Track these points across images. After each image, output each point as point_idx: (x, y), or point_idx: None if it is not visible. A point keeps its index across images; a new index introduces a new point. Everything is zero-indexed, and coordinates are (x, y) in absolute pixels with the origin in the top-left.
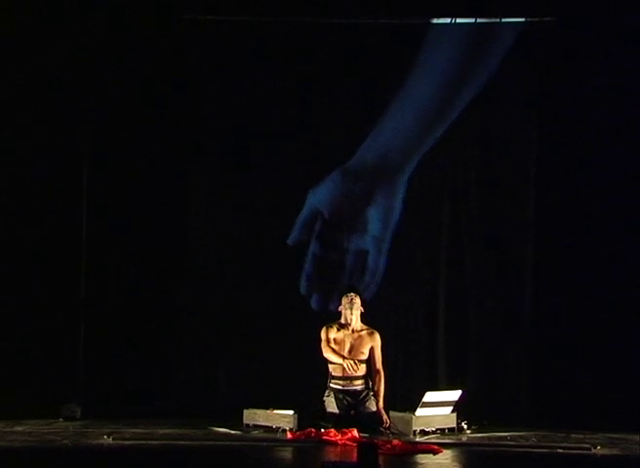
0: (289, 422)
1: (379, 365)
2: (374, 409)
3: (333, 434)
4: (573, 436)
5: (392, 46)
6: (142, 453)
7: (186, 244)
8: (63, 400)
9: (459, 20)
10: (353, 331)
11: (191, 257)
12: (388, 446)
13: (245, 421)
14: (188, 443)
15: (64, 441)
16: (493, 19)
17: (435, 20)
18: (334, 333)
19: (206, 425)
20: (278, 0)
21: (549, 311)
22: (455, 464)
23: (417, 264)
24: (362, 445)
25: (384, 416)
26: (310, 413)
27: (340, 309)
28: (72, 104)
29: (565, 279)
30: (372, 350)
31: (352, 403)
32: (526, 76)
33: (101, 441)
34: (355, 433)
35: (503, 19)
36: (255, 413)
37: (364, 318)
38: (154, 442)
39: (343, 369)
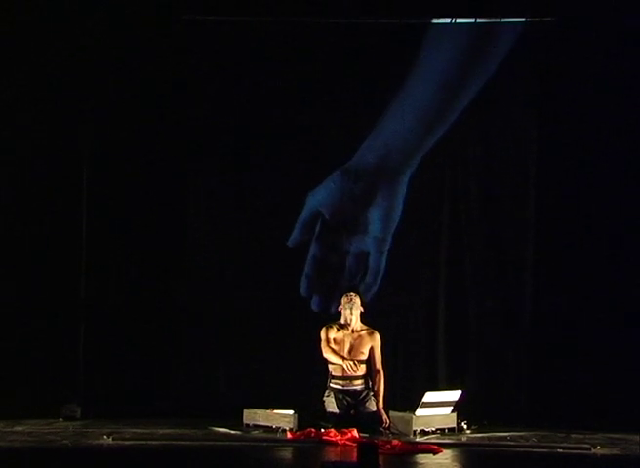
0: (289, 422)
1: (378, 365)
2: (374, 409)
3: (333, 434)
4: (573, 436)
5: (392, 46)
6: (142, 453)
7: (186, 244)
8: (63, 400)
9: (458, 21)
10: (353, 331)
11: (191, 257)
12: (388, 446)
13: (245, 421)
14: (188, 443)
15: (64, 441)
16: (493, 20)
17: (435, 21)
18: (333, 334)
19: (206, 425)
20: (278, 0)
21: (549, 311)
22: (455, 464)
23: (417, 264)
24: (362, 445)
25: (384, 416)
26: (310, 413)
27: (339, 309)
28: (72, 104)
29: (565, 279)
30: (372, 350)
31: (352, 403)
32: (526, 76)
33: (101, 441)
34: (355, 433)
35: (503, 20)
36: (255, 413)
37: (364, 318)
38: (154, 442)
39: (343, 369)
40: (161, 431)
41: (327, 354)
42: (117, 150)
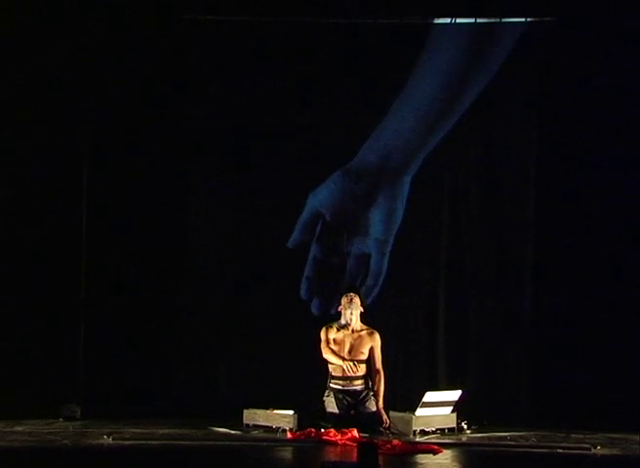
0: (289, 422)
1: (378, 365)
2: (374, 409)
3: (333, 434)
4: (573, 436)
5: (392, 46)
6: (142, 453)
7: (186, 244)
8: (63, 400)
9: (459, 21)
10: (353, 330)
11: (191, 257)
12: (388, 446)
13: (245, 421)
14: (188, 443)
15: (64, 441)
16: (493, 20)
17: (435, 21)
18: (333, 334)
19: (206, 425)
20: (278, 0)
21: (549, 311)
22: (455, 464)
23: (417, 264)
24: (362, 445)
25: (384, 416)
26: (310, 413)
27: (339, 309)
28: (72, 104)
29: (565, 279)
30: (372, 350)
31: (352, 403)
32: (526, 76)
33: (101, 441)
34: (355, 433)
35: (503, 20)
36: (255, 413)
37: (364, 318)
38: (154, 442)
39: (343, 369)
40: (161, 431)
41: (327, 355)
42: (117, 150)
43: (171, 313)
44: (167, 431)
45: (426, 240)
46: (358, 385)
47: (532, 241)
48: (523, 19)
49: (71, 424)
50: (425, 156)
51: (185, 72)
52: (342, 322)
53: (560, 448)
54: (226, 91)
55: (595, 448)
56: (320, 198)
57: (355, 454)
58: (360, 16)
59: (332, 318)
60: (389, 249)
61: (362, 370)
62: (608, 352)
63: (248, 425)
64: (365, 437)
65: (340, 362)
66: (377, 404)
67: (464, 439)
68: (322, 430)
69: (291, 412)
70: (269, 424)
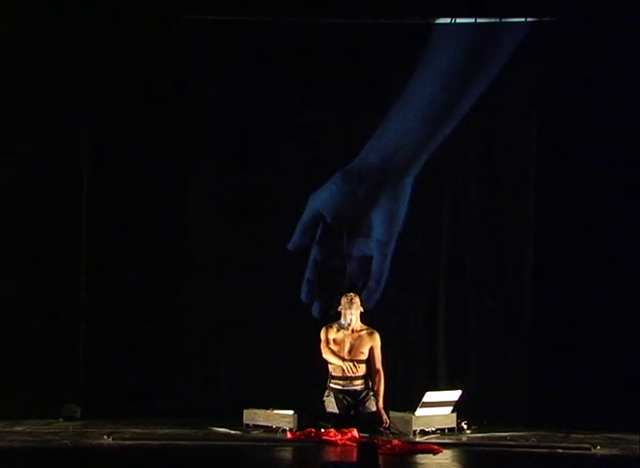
0: (289, 422)
1: (378, 365)
2: (374, 409)
3: (333, 434)
4: (573, 436)
5: (392, 46)
6: (142, 453)
7: (186, 244)
8: (63, 400)
9: (459, 21)
10: (353, 330)
11: (191, 257)
12: (388, 446)
13: (245, 421)
14: (188, 443)
15: (64, 441)
16: (493, 20)
17: (436, 21)
18: (333, 334)
19: (206, 425)
20: (278, 0)
21: (549, 311)
22: (455, 464)
23: (417, 264)
24: (362, 445)
25: (384, 416)
26: (310, 413)
27: (339, 309)
28: (72, 104)
29: (565, 279)
30: (371, 350)
31: (352, 403)
32: (526, 76)
33: (101, 441)
34: (355, 433)
35: (503, 20)
36: (255, 413)
37: (364, 318)
38: (154, 442)
39: (343, 369)
40: (161, 431)
41: (326, 355)
42: (117, 150)
43: (171, 313)
44: (167, 431)
45: (426, 240)
46: (358, 385)
47: (532, 241)
48: (523, 20)
49: (71, 424)
50: (428, 156)
51: (185, 72)
52: (342, 322)
53: (560, 448)
54: (226, 91)
55: (595, 448)
56: (321, 200)
57: (355, 454)
58: (360, 16)
59: (332, 318)
60: (392, 250)
61: (362, 370)
62: (608, 352)
63: (248, 425)
64: (365, 437)
65: (339, 362)
66: (377, 404)
67: (464, 439)
68: (322, 430)
69: (291, 412)
70: (269, 424)
